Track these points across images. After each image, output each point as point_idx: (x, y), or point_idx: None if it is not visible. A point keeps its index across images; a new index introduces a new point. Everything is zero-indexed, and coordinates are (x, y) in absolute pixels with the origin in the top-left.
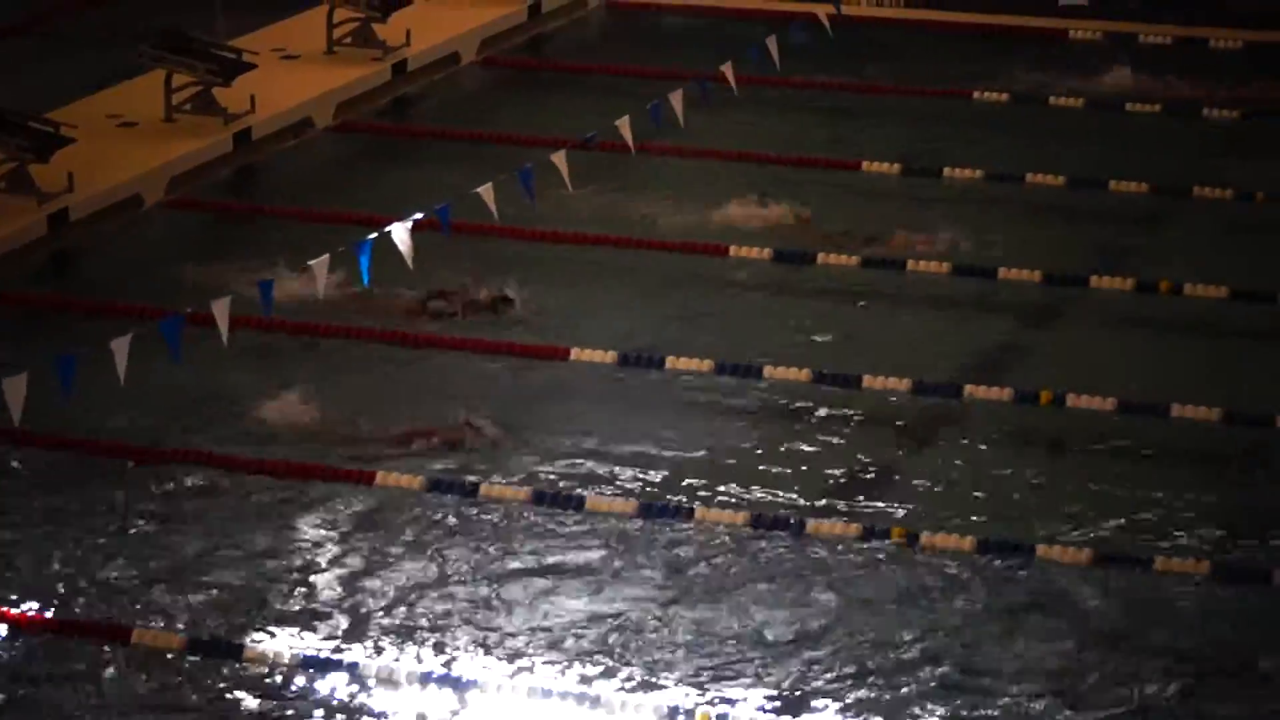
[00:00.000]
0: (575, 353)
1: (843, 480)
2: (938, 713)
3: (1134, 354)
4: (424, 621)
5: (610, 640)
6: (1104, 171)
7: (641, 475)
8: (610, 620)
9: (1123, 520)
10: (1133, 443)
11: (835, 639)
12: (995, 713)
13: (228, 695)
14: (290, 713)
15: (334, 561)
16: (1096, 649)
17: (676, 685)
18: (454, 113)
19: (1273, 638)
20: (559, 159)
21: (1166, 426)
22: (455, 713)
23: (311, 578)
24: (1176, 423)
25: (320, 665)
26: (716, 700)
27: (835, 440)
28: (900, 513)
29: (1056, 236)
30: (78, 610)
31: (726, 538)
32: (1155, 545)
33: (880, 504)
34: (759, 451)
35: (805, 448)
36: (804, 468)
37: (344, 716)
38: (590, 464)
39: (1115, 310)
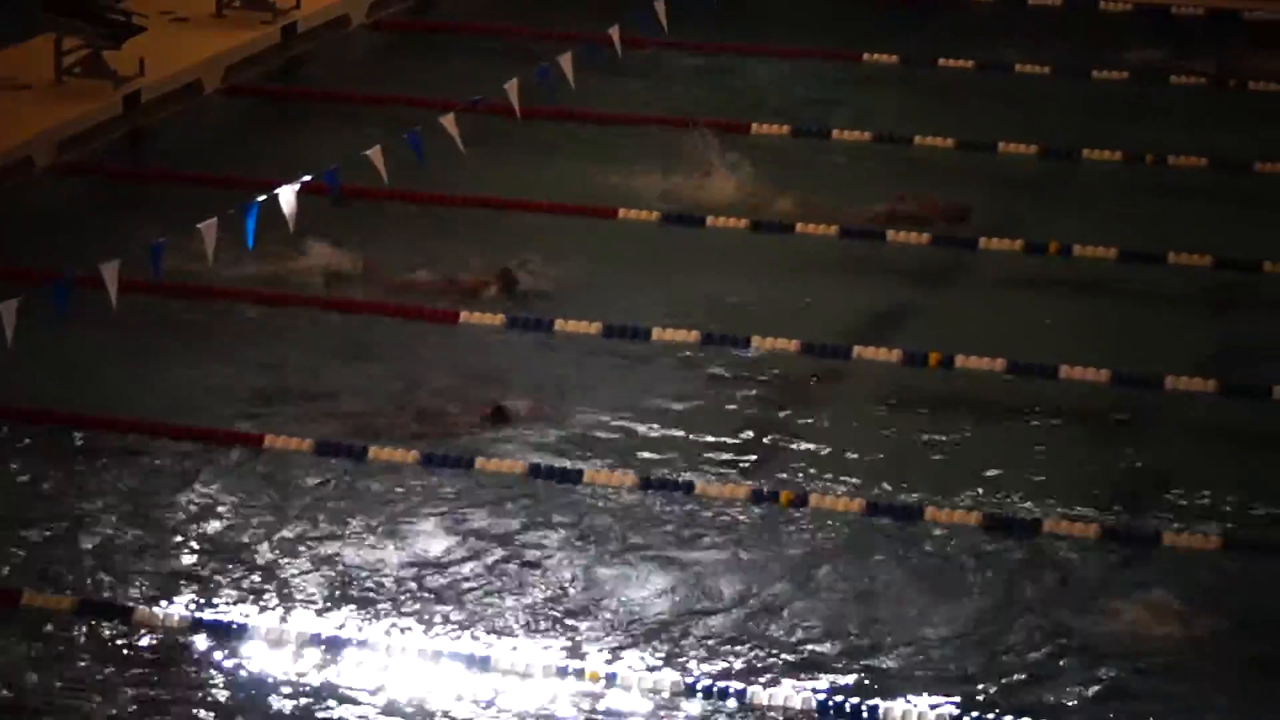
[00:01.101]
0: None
1: (732, 441)
2: (819, 675)
3: (1023, 315)
4: (313, 584)
5: (502, 601)
6: (993, 134)
7: (540, 435)
8: (501, 580)
9: (1011, 482)
10: (1021, 404)
11: (722, 601)
12: (880, 675)
13: (117, 657)
14: (181, 675)
15: (227, 524)
16: (986, 611)
17: (565, 645)
18: (345, 75)
19: (1163, 596)
20: (449, 121)
21: (1055, 387)
22: (342, 674)
23: (203, 540)
24: (1065, 384)
25: (211, 628)
26: (607, 658)
27: (725, 402)
28: (789, 475)
29: (942, 197)
30: None
31: (616, 498)
32: (1044, 507)
33: (769, 466)
34: (648, 413)
35: (695, 409)
36: (692, 430)
37: (232, 678)
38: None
39: (1004, 272)
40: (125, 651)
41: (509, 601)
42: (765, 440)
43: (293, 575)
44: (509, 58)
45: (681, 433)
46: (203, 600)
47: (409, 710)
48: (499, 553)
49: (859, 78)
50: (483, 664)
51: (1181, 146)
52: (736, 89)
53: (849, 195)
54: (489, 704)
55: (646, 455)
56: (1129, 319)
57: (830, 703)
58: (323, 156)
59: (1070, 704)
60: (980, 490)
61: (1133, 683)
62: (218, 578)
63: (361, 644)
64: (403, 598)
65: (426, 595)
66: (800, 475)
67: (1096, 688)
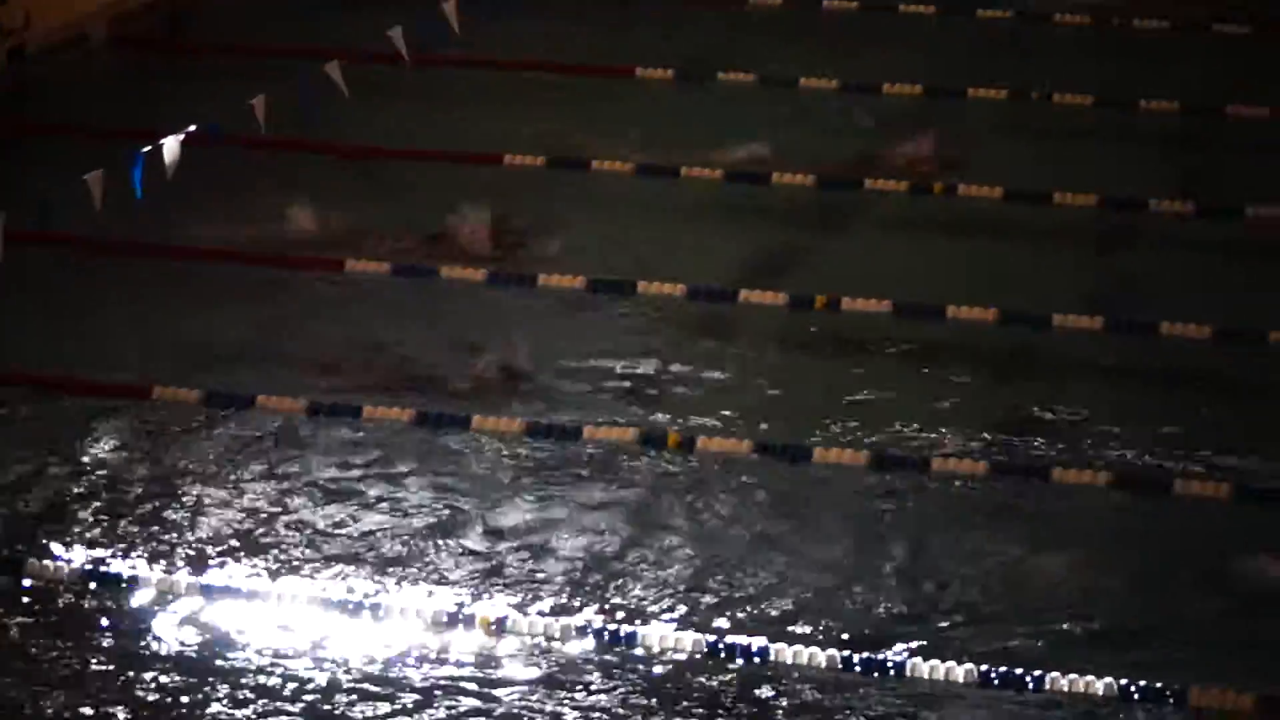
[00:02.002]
0: None
1: (621, 386)
2: (710, 617)
3: (909, 256)
4: (207, 536)
5: (390, 549)
6: (877, 75)
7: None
8: (386, 530)
9: (900, 423)
10: (909, 345)
11: (610, 543)
12: (762, 621)
13: (9, 610)
14: (75, 626)
15: (124, 476)
16: (873, 552)
17: (455, 591)
18: (231, 26)
19: (1054, 536)
20: (332, 69)
21: (942, 327)
22: (233, 623)
23: (98, 491)
24: (952, 324)
25: (103, 579)
26: (498, 603)
27: (612, 344)
28: (677, 417)
29: (830, 140)
30: None
31: (501, 443)
32: (932, 447)
33: (657, 409)
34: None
35: (585, 352)
36: (582, 377)
37: (126, 629)
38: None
39: (889, 213)
40: (16, 604)
41: (406, 549)
42: (652, 384)
43: (186, 528)
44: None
45: (571, 379)
46: (95, 550)
47: (303, 655)
48: (397, 503)
49: (744, 23)
50: (373, 611)
51: (1066, 85)
52: (622, 35)
53: (733, 138)
54: (382, 651)
55: (537, 404)
56: (1015, 258)
57: (720, 645)
58: (214, 108)
59: (949, 644)
60: (868, 430)
61: (1011, 617)
62: (110, 529)
63: (253, 594)
64: (304, 548)
65: (325, 545)
66: (689, 417)
67: (977, 627)
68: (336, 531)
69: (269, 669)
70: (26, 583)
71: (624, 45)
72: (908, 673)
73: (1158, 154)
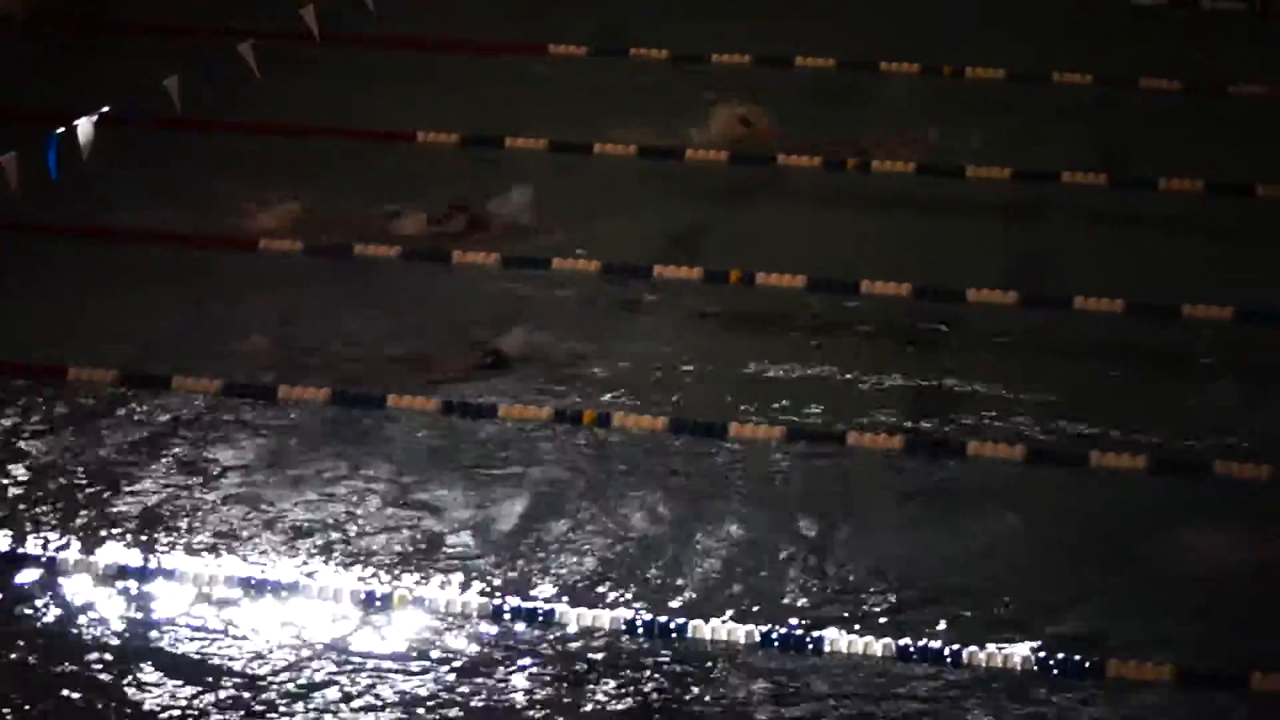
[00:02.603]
0: None
1: (536, 363)
2: (617, 592)
3: (823, 232)
4: (123, 513)
5: (308, 529)
6: (790, 49)
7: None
8: (304, 510)
9: (815, 398)
10: (823, 321)
11: (527, 523)
12: (669, 590)
13: None
14: None
15: (36, 458)
16: (789, 528)
17: (374, 570)
18: (152, 4)
19: (970, 510)
20: (245, 50)
21: (857, 303)
22: (155, 602)
23: (10, 473)
24: (866, 299)
25: (14, 560)
26: (415, 581)
27: (533, 332)
28: (594, 394)
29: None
30: None
31: (424, 425)
32: (849, 421)
33: (574, 387)
34: (441, 331)
35: (499, 331)
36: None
37: (42, 611)
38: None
39: (804, 188)
40: None
41: (324, 528)
42: (569, 360)
43: (100, 509)
44: None
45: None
46: (8, 533)
47: (224, 635)
48: (316, 483)
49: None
50: (291, 589)
51: (978, 58)
52: (536, 13)
53: (656, 114)
54: (302, 630)
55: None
56: (929, 233)
57: (638, 621)
58: (130, 86)
59: (869, 620)
60: (784, 406)
61: (930, 592)
62: (24, 511)
63: (170, 573)
64: (222, 525)
65: (246, 524)
66: (605, 396)
67: (897, 602)
68: (254, 512)
69: (193, 649)
70: None
71: (538, 21)
72: (827, 648)
73: (1068, 128)
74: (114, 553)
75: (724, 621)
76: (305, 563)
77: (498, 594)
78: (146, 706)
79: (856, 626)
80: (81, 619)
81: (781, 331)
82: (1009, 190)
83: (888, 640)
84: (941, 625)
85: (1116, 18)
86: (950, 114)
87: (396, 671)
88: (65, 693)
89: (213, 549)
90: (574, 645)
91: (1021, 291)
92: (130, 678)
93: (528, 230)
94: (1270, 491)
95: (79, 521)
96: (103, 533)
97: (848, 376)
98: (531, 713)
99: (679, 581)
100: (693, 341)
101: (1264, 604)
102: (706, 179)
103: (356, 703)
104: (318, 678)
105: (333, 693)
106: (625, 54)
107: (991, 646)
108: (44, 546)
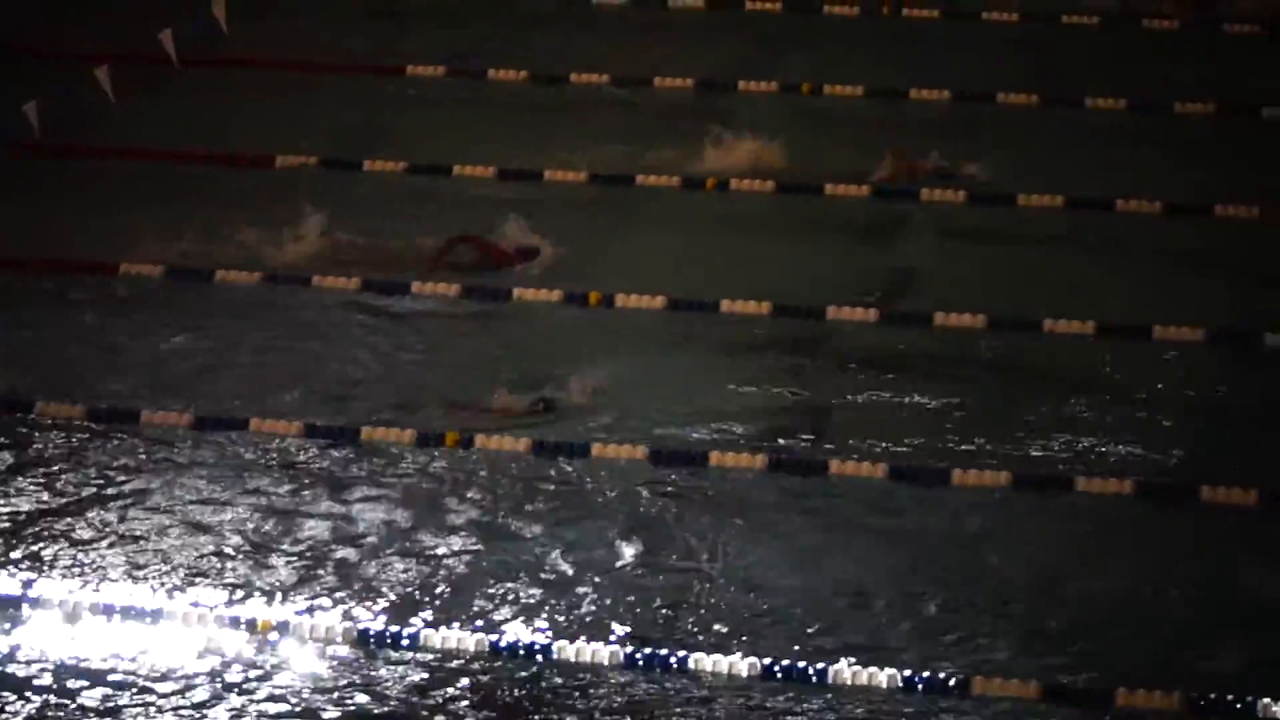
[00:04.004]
0: None
1: (403, 388)
2: (487, 615)
3: (683, 251)
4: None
5: (169, 554)
6: (648, 69)
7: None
8: (162, 536)
9: (676, 416)
10: (683, 339)
11: (388, 544)
12: (539, 615)
13: None
14: None
15: None
16: (653, 547)
17: (245, 600)
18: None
19: (833, 529)
20: (102, 74)
21: (717, 322)
22: (26, 627)
23: None
24: (726, 317)
25: None
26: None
27: (394, 354)
28: (452, 419)
29: (604, 135)
30: None
31: (281, 446)
32: (712, 442)
33: (432, 409)
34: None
35: (361, 357)
36: (358, 376)
37: None
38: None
39: (662, 208)
40: None
41: (182, 553)
42: (428, 382)
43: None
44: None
45: (348, 381)
46: None
47: (84, 660)
48: (174, 509)
49: (514, 19)
50: (154, 615)
51: (837, 75)
52: (389, 28)
53: (511, 139)
54: (165, 654)
55: (316, 404)
56: (789, 251)
57: (503, 644)
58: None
59: (732, 638)
60: (646, 425)
61: (796, 609)
62: None
63: (48, 602)
64: (93, 554)
65: (116, 552)
66: (467, 414)
67: (761, 621)
68: (113, 537)
69: (50, 674)
70: None
71: (397, 43)
72: (691, 665)
73: (925, 145)
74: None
75: (589, 642)
76: (167, 589)
77: (360, 617)
78: None
79: (717, 645)
80: None
81: (644, 351)
82: (867, 207)
83: (753, 660)
84: (808, 646)
85: (974, 33)
86: (808, 131)
87: (262, 697)
88: None
89: (76, 574)
90: (437, 668)
91: (881, 309)
92: None
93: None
94: (1129, 506)
95: None
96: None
97: (710, 396)
98: None
99: (541, 602)
100: (555, 361)
101: (1138, 622)
102: (566, 197)
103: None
104: (183, 702)
105: (195, 716)
106: (483, 76)
107: (857, 666)
108: None
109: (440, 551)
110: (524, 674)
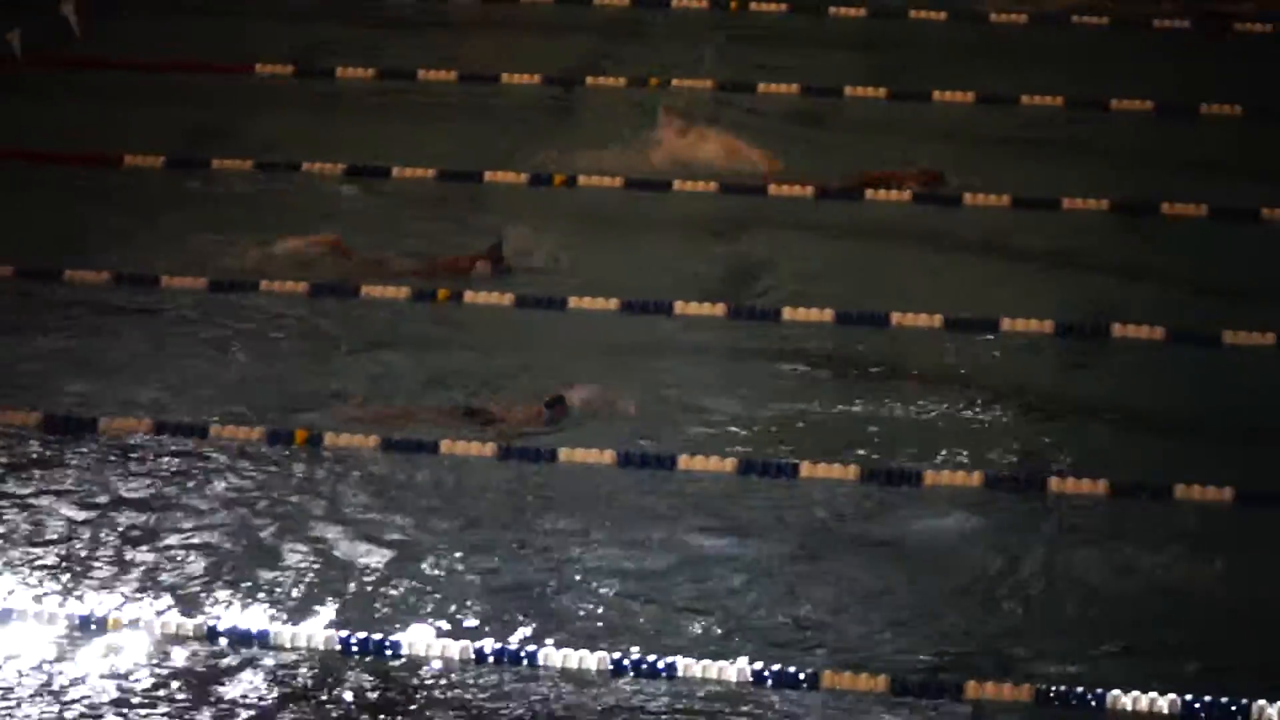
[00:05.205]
0: None
1: (249, 386)
2: (327, 609)
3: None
4: None
5: (16, 554)
6: (494, 66)
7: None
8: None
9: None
10: (534, 336)
11: (240, 543)
12: (386, 610)
13: None
14: None
15: None
16: (500, 541)
17: (96, 593)
18: None
19: (676, 523)
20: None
21: (565, 318)
22: None
23: None
24: (574, 314)
25: None
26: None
27: (242, 352)
28: (309, 416)
29: (453, 133)
30: None
31: (124, 445)
32: (562, 439)
33: (293, 409)
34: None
35: (210, 355)
36: (204, 376)
37: None
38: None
39: (511, 204)
40: None
41: (32, 553)
42: (285, 383)
43: None
44: None
45: (191, 381)
46: None
47: None
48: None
49: (364, 17)
50: (3, 618)
51: (688, 70)
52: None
53: (366, 133)
54: (9, 657)
55: (166, 401)
56: (637, 247)
57: (352, 639)
58: None
59: (577, 630)
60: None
61: (629, 598)
62: None
63: None
64: None
65: None
66: (315, 412)
67: (600, 614)
68: None
69: None
70: None
71: (243, 42)
72: (541, 661)
73: (770, 141)
74: None
75: (438, 637)
76: (13, 588)
77: (211, 614)
78: None
79: (561, 637)
80: None
81: (490, 349)
82: (714, 203)
83: (602, 654)
84: (639, 634)
85: (821, 27)
86: (654, 123)
87: (111, 700)
88: None
89: None
90: (292, 665)
91: (728, 304)
92: None
93: None
94: (977, 498)
95: None
96: None
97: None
98: None
99: (391, 597)
100: (399, 360)
101: (984, 612)
102: (409, 196)
103: None
104: (33, 703)
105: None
106: (332, 75)
107: (706, 659)
108: None
109: (285, 547)
110: (375, 670)
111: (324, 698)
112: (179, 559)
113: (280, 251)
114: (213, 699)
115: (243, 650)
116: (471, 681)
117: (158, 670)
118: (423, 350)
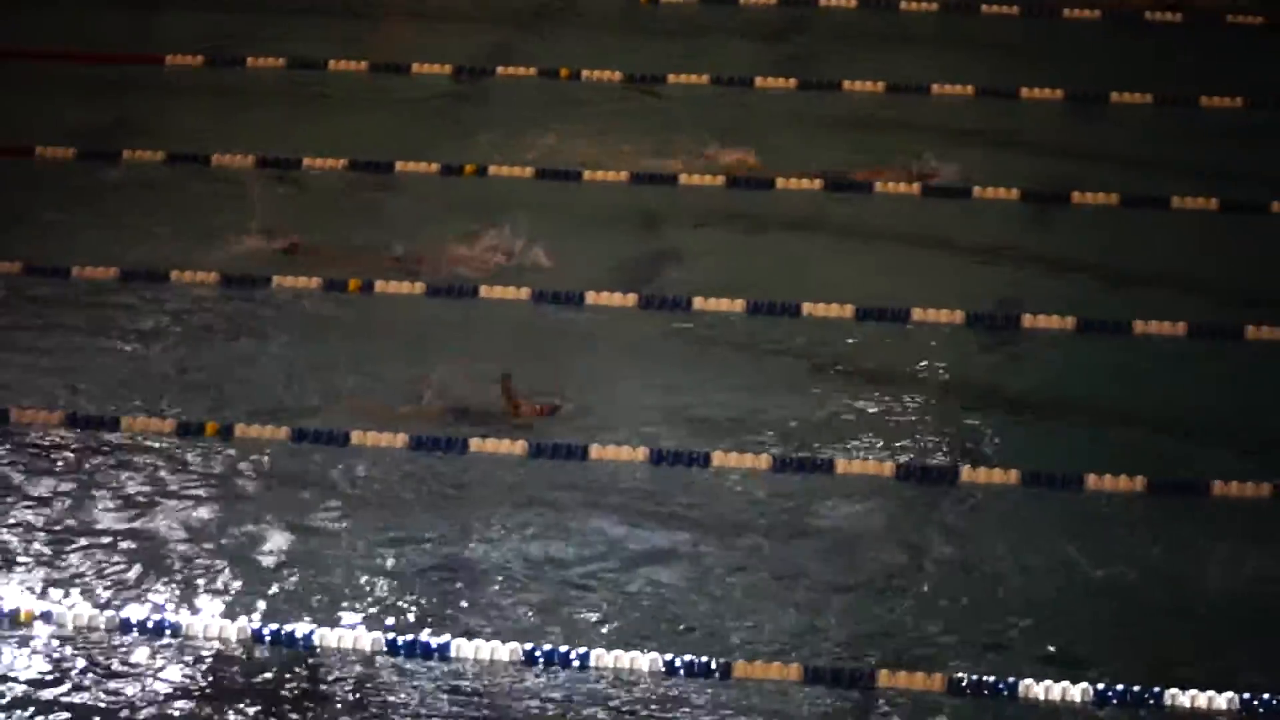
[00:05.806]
0: None
1: (160, 379)
2: (249, 603)
3: (440, 238)
4: None
5: None
6: (407, 56)
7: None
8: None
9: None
10: (441, 327)
11: (156, 536)
12: (304, 603)
13: None
14: None
15: None
16: (412, 535)
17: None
18: None
19: (594, 510)
20: None
21: (478, 307)
22: None
23: None
24: (486, 303)
25: None
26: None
27: (154, 344)
28: (216, 407)
29: (364, 123)
30: None
31: (38, 439)
32: (473, 428)
33: (196, 400)
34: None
35: (122, 348)
36: (121, 370)
37: None
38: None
39: (422, 194)
40: None
41: None
42: (195, 376)
43: None
44: None
45: (104, 374)
46: None
47: None
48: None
49: (272, 6)
50: None
51: (598, 62)
52: (148, 18)
53: (275, 123)
54: None
55: (78, 396)
56: (552, 237)
57: (264, 631)
58: None
59: (488, 621)
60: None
61: (545, 591)
62: None
63: None
64: None
65: None
66: (226, 407)
67: (515, 601)
68: None
69: None
70: None
71: (153, 33)
72: (452, 653)
73: (686, 129)
74: None
75: (351, 629)
76: None
77: (126, 607)
78: None
79: (475, 630)
80: None
81: (401, 338)
82: (629, 193)
83: (515, 645)
84: (574, 627)
85: (735, 20)
86: (571, 121)
87: (22, 694)
88: None
89: None
90: (205, 655)
91: (641, 294)
92: None
93: None
94: (889, 490)
95: None
96: None
97: (468, 382)
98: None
99: (307, 590)
100: (306, 350)
101: (908, 601)
102: (320, 189)
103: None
104: None
105: None
106: (242, 64)
107: (635, 651)
108: None
109: (204, 540)
110: (288, 661)
111: (238, 689)
112: (92, 552)
113: (240, 251)
114: (123, 692)
115: (155, 641)
116: (385, 677)
117: (67, 664)
118: (346, 341)
